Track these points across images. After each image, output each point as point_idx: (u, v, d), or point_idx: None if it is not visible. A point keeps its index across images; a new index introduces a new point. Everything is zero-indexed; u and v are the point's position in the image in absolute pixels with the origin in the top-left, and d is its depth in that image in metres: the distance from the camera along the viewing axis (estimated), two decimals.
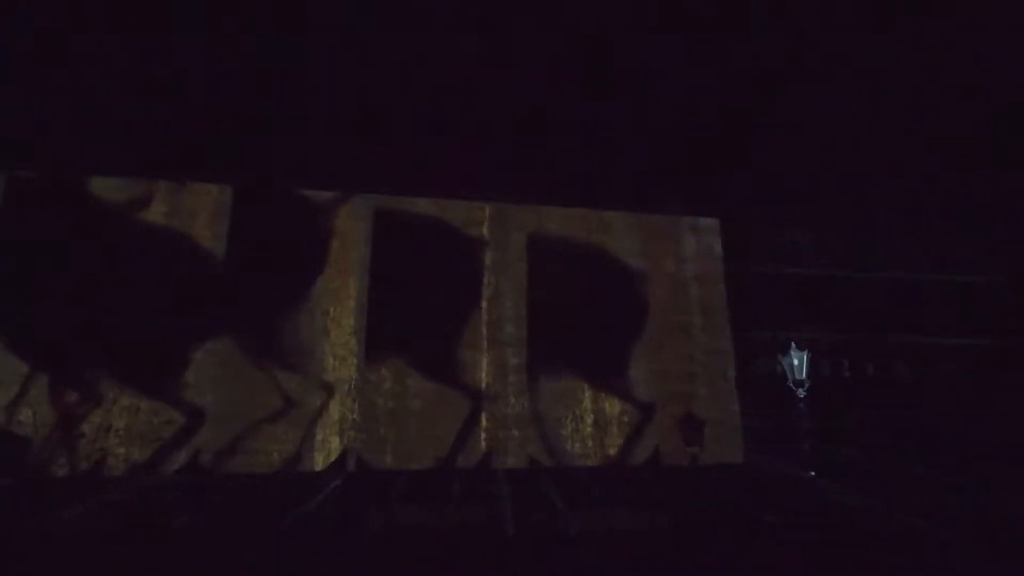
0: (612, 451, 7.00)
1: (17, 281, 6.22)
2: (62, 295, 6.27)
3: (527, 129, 7.26)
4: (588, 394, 7.18)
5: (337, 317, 6.97)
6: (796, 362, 6.70)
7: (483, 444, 6.90)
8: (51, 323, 6.23)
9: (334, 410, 6.75)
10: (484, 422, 6.96)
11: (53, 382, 6.13)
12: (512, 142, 7.31)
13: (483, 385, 7.04)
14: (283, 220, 6.95)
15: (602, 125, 7.35)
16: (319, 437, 6.66)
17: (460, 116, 7.17)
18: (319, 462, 6.52)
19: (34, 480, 5.75)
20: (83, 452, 6.08)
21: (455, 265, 7.29)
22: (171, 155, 6.61)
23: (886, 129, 7.55)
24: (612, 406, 7.18)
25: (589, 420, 7.12)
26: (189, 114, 6.64)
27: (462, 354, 7.09)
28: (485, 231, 7.44)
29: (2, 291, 6.19)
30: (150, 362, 6.41)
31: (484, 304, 7.26)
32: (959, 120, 7.35)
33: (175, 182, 6.64)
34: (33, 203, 6.42)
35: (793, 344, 6.80)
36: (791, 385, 6.75)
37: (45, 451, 6.01)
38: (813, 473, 6.30)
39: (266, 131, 6.85)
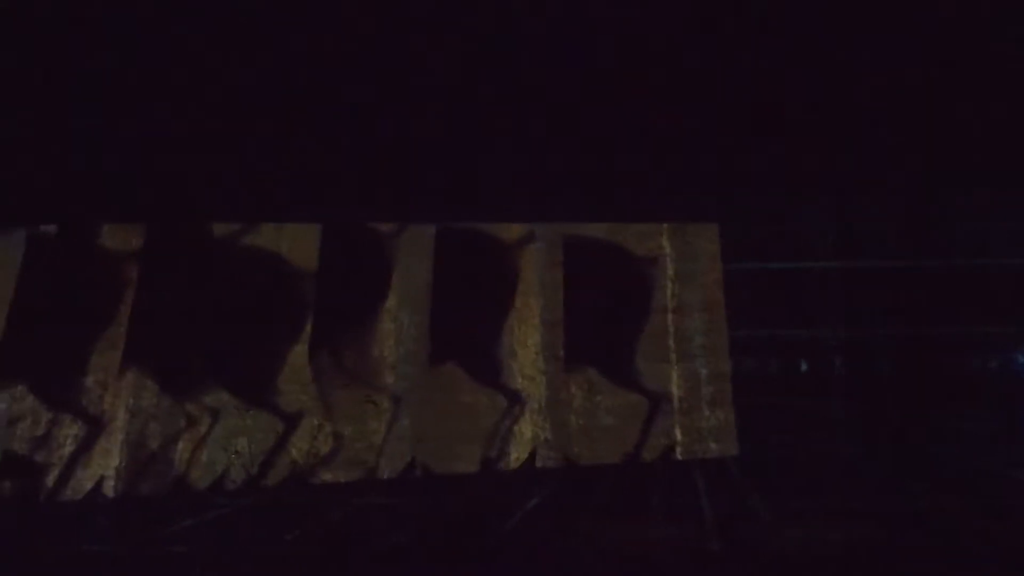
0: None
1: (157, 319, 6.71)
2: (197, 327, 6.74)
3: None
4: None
5: (522, 337, 7.06)
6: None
7: (678, 456, 6.88)
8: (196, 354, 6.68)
9: (526, 428, 6.87)
10: (679, 436, 6.92)
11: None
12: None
13: (675, 399, 6.99)
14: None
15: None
16: (513, 455, 6.81)
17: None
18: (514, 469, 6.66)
19: (257, 505, 6.10)
20: (293, 478, 6.46)
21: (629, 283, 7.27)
22: (270, 202, 7.30)
23: None
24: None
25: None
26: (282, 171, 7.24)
27: (648, 368, 7.07)
28: (665, 245, 7.41)
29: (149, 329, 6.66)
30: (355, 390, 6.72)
31: (670, 316, 7.19)
32: None
33: (275, 223, 7.19)
34: (167, 246, 6.92)
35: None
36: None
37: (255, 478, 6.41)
38: None
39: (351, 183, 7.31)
